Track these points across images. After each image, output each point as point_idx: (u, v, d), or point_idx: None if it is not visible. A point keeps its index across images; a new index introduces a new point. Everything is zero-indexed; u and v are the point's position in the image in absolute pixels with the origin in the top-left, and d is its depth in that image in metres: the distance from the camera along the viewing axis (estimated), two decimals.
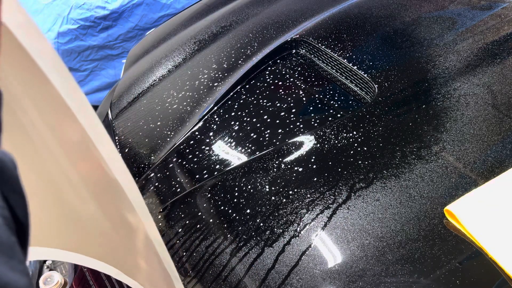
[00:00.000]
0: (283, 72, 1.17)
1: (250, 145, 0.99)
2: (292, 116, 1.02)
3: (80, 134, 0.32)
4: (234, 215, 0.85)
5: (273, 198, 0.84)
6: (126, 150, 1.12)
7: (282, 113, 1.04)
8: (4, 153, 0.22)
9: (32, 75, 0.28)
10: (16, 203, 0.22)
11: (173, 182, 0.99)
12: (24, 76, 0.29)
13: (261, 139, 0.99)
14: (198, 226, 0.86)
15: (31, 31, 0.26)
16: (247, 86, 1.16)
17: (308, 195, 0.82)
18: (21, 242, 0.22)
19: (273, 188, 0.86)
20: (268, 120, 1.03)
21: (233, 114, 1.09)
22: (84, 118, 0.31)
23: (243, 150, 0.98)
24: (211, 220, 0.86)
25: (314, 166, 0.87)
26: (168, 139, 1.10)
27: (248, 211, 0.84)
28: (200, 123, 1.10)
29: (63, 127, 0.34)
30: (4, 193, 0.21)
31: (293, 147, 0.93)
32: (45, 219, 0.41)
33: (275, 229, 0.79)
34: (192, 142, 1.06)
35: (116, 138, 1.17)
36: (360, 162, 0.85)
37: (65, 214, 0.42)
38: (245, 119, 1.06)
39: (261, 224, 0.81)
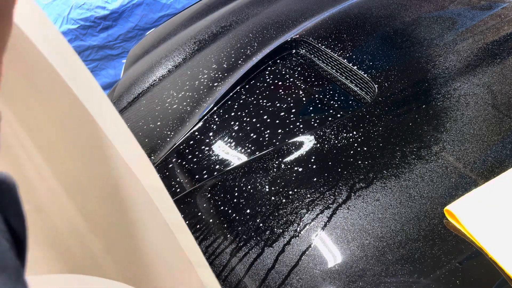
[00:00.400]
0: (283, 72, 1.17)
1: (250, 145, 0.99)
2: (292, 116, 1.02)
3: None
4: (234, 215, 0.85)
5: (273, 198, 0.84)
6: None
7: (282, 113, 1.04)
8: (5, 176, 0.22)
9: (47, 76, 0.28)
10: (18, 226, 0.22)
11: (173, 182, 0.99)
12: (34, 74, 0.29)
13: (261, 139, 0.99)
14: (198, 226, 0.86)
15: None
16: (247, 86, 1.16)
17: (308, 195, 0.82)
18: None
19: (273, 188, 0.86)
20: (268, 120, 1.03)
21: (233, 114, 1.09)
22: (106, 121, 0.30)
23: (243, 150, 0.98)
24: (211, 220, 0.86)
25: (314, 166, 0.87)
26: (168, 139, 1.10)
27: (248, 211, 0.84)
28: (200, 123, 1.10)
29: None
30: (6, 216, 0.21)
31: (293, 147, 0.93)
32: (63, 240, 0.40)
33: (275, 229, 0.79)
34: (192, 142, 1.06)
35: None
36: (360, 162, 0.85)
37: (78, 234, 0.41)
38: (245, 119, 1.06)
39: (261, 224, 0.81)
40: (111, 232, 0.43)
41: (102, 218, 0.41)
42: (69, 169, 0.37)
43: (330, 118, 0.99)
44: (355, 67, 1.08)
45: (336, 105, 1.03)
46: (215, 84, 1.20)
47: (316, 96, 1.07)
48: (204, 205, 0.89)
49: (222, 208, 0.87)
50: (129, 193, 0.38)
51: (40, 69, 0.27)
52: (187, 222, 0.88)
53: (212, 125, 1.08)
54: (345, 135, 0.91)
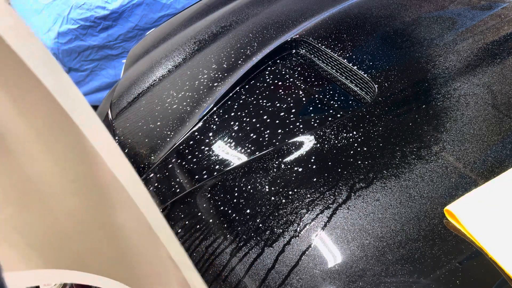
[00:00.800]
0: (283, 72, 1.17)
1: (250, 145, 0.99)
2: (292, 116, 1.02)
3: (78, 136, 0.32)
4: (234, 215, 0.85)
5: (273, 198, 0.84)
6: (126, 150, 1.12)
7: (282, 113, 1.04)
8: None
9: (24, 77, 0.28)
10: None
11: (173, 182, 0.99)
12: (14, 77, 0.29)
13: (261, 139, 0.99)
14: (198, 226, 0.86)
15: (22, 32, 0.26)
16: (247, 86, 1.16)
17: (308, 195, 0.82)
18: None
19: (273, 188, 0.86)
20: (268, 120, 1.03)
21: (233, 114, 1.09)
22: (84, 120, 0.31)
23: (243, 150, 0.98)
24: (211, 220, 0.86)
25: (314, 166, 0.87)
26: (168, 139, 1.10)
27: (248, 211, 0.84)
28: (200, 123, 1.10)
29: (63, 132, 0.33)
30: None
31: (293, 147, 0.93)
32: (50, 236, 0.40)
33: (275, 229, 0.79)
34: (192, 142, 1.06)
35: (116, 138, 1.17)
36: (360, 162, 0.85)
37: (68, 230, 0.41)
38: (245, 119, 1.06)
39: (261, 224, 0.81)
40: (97, 232, 0.43)
41: (87, 218, 0.42)
42: (52, 169, 0.37)
43: (330, 118, 0.99)
44: (355, 67, 1.08)
45: (336, 105, 1.03)
46: (215, 84, 1.20)
47: (316, 96, 1.07)
48: (204, 205, 0.89)
49: (222, 208, 0.87)
50: (111, 193, 0.38)
51: (8, 63, 0.27)
52: (187, 222, 0.88)
53: (212, 125, 1.08)
54: (345, 135, 0.91)
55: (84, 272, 0.44)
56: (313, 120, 1.00)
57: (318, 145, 0.91)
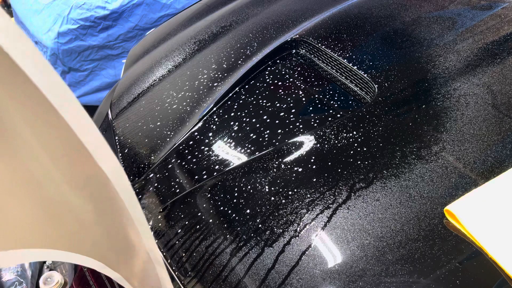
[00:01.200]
0: (283, 72, 1.17)
1: (250, 145, 0.99)
2: (292, 116, 1.02)
3: (66, 131, 0.32)
4: (234, 215, 0.85)
5: (273, 198, 0.84)
6: (126, 150, 1.12)
7: (282, 113, 1.04)
8: None
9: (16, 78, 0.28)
10: None
11: (173, 182, 0.99)
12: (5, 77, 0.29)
13: (261, 139, 0.99)
14: (198, 226, 0.86)
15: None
16: (247, 86, 1.16)
17: (308, 195, 0.82)
18: None
19: (273, 188, 0.86)
20: (268, 120, 1.03)
21: (233, 114, 1.09)
22: (69, 114, 0.31)
23: (243, 150, 0.98)
24: (211, 220, 0.86)
25: (314, 166, 0.87)
26: (168, 139, 1.10)
27: (248, 211, 0.84)
28: (200, 123, 1.10)
29: (49, 124, 0.34)
30: None
31: (293, 147, 0.93)
32: (30, 218, 0.41)
33: (275, 229, 0.79)
34: (192, 142, 1.06)
35: (116, 138, 1.17)
36: (360, 162, 0.85)
37: (50, 212, 0.42)
38: (245, 119, 1.06)
39: (261, 224, 0.81)
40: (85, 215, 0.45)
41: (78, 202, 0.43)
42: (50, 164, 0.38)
43: (330, 118, 0.99)
44: (355, 67, 1.08)
45: (336, 105, 1.03)
46: (215, 84, 1.20)
47: (316, 96, 1.07)
48: (204, 205, 0.89)
49: (222, 208, 0.87)
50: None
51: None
52: (187, 222, 0.88)
53: (212, 125, 1.08)
54: (345, 135, 0.91)
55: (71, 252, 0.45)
56: (313, 120, 1.00)
57: (318, 145, 0.91)
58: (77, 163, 0.38)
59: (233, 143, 1.01)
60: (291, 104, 1.06)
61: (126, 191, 0.39)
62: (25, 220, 0.40)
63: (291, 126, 1.00)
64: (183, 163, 1.02)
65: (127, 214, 0.42)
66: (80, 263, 0.47)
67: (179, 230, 0.88)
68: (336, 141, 0.91)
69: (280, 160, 0.92)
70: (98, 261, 0.48)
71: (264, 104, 1.08)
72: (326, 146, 0.91)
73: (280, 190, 0.85)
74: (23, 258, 0.40)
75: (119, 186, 0.38)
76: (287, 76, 1.16)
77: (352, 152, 0.87)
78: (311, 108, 1.04)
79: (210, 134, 1.06)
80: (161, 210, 0.94)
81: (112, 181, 0.37)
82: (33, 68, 0.28)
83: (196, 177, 0.97)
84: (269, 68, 1.20)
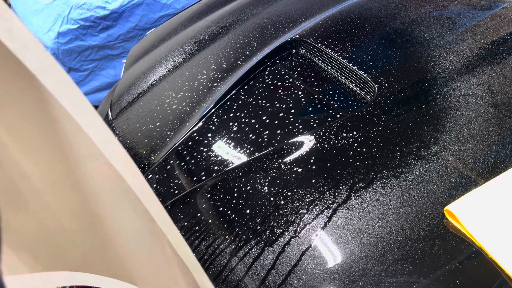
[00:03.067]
0: (283, 72, 1.17)
1: (250, 146, 0.99)
2: (292, 116, 1.02)
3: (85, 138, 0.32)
4: (234, 215, 0.85)
5: (272, 198, 0.84)
6: (126, 150, 1.12)
7: (282, 113, 1.04)
8: None
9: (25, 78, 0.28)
10: None
11: (173, 183, 0.99)
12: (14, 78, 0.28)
13: (260, 139, 0.99)
14: (198, 226, 0.86)
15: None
16: (247, 87, 1.16)
17: (308, 195, 0.82)
18: None
19: (273, 189, 0.86)
20: (268, 120, 1.03)
21: (232, 114, 1.09)
22: (86, 120, 0.31)
23: (243, 151, 0.98)
24: (210, 221, 0.86)
25: (314, 166, 0.87)
26: (168, 139, 1.10)
27: (248, 211, 0.84)
28: (200, 124, 1.10)
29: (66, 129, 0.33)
30: None
31: (293, 147, 0.93)
32: (42, 238, 0.40)
33: (275, 229, 0.79)
34: (191, 142, 1.06)
35: (116, 138, 1.17)
36: (360, 162, 0.85)
37: (62, 230, 0.41)
38: (245, 119, 1.06)
39: (261, 224, 0.81)
40: (98, 231, 0.43)
41: (87, 215, 0.41)
42: (49, 166, 0.37)
43: (330, 118, 0.99)
44: (355, 67, 1.08)
45: (336, 105, 1.03)
46: (215, 84, 1.20)
47: (316, 96, 1.07)
48: (204, 205, 0.89)
49: (222, 208, 0.87)
50: (112, 189, 0.38)
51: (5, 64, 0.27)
52: (187, 222, 0.88)
53: (212, 126, 1.08)
54: (345, 135, 0.91)
55: (87, 272, 0.44)
56: (313, 120, 1.00)
57: (318, 145, 0.91)
58: (86, 167, 0.37)
59: (233, 143, 1.01)
60: (291, 104, 1.06)
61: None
62: (38, 237, 0.39)
63: (291, 126, 1.00)
64: (183, 163, 1.02)
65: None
66: (101, 285, 0.45)
67: (179, 230, 0.88)
68: (336, 141, 0.91)
69: (280, 160, 0.92)
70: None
71: (264, 104, 1.08)
72: (326, 146, 0.91)
73: (280, 190, 0.85)
74: (46, 281, 0.39)
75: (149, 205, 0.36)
76: (287, 76, 1.15)
77: (352, 152, 0.87)
78: (311, 108, 1.03)
79: (210, 134, 1.06)
80: None
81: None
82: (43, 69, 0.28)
83: (196, 177, 0.97)
84: (269, 68, 1.20)
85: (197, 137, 1.06)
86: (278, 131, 1.00)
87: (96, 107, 1.57)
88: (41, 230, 0.40)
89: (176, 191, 0.96)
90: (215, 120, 1.09)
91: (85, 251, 0.44)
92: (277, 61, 1.22)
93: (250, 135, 1.01)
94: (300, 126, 0.99)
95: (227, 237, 0.82)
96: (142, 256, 0.47)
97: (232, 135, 1.03)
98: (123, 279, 0.47)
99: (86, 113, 0.31)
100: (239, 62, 1.25)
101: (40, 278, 0.40)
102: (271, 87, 1.13)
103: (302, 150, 0.92)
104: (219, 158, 0.99)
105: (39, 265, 0.40)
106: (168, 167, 1.02)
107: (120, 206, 0.40)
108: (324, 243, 0.75)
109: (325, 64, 1.16)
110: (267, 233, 0.79)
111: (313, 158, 0.89)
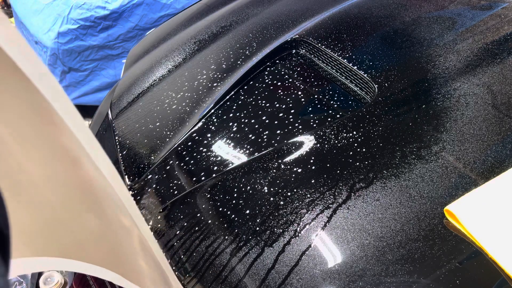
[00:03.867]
0: (283, 72, 1.17)
1: (250, 146, 0.99)
2: (292, 116, 1.02)
3: (68, 138, 0.33)
4: (233, 215, 0.85)
5: (272, 198, 0.84)
6: (126, 150, 1.12)
7: (282, 114, 1.04)
8: None
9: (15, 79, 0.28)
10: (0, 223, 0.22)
11: (173, 183, 0.99)
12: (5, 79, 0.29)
13: (260, 139, 0.99)
14: (198, 226, 0.86)
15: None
16: (247, 87, 1.16)
17: (308, 195, 0.82)
18: (2, 249, 0.21)
19: (272, 189, 0.86)
20: (268, 120, 1.03)
21: (232, 114, 1.09)
22: (71, 121, 0.32)
23: (243, 151, 0.98)
24: (210, 221, 0.86)
25: (314, 166, 0.87)
26: (168, 140, 1.10)
27: (248, 211, 0.84)
28: (200, 124, 1.10)
29: (51, 131, 0.34)
30: None
31: (293, 147, 0.93)
32: (34, 226, 0.40)
33: (275, 229, 0.79)
34: (191, 142, 1.06)
35: (116, 138, 1.17)
36: (360, 162, 0.85)
37: (54, 220, 0.42)
38: (245, 119, 1.06)
39: (261, 224, 0.81)
40: (90, 220, 0.44)
41: (80, 208, 0.43)
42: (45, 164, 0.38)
43: (330, 118, 0.99)
44: (355, 67, 1.08)
45: (336, 105, 1.03)
46: (215, 84, 1.20)
47: (316, 96, 1.07)
48: (204, 205, 0.89)
49: (222, 208, 0.87)
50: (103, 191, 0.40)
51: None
52: (187, 222, 0.88)
53: (212, 126, 1.08)
54: (345, 135, 0.91)
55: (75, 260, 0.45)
56: (313, 120, 1.00)
57: (318, 145, 0.91)
58: (76, 167, 0.38)
59: (233, 143, 1.01)
60: (291, 104, 1.06)
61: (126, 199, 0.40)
62: (30, 225, 0.40)
63: (291, 126, 1.00)
64: (183, 163, 1.02)
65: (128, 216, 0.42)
66: (95, 274, 0.46)
67: (179, 230, 0.88)
68: (336, 141, 0.91)
69: (280, 160, 0.92)
70: (114, 272, 0.48)
71: (264, 104, 1.08)
72: (326, 146, 0.91)
73: (280, 190, 0.85)
74: (36, 266, 0.40)
75: (121, 196, 0.39)
76: (287, 76, 1.15)
77: (352, 152, 0.87)
78: (311, 108, 1.03)
79: (210, 135, 1.06)
80: (161, 210, 0.94)
81: (112, 187, 0.38)
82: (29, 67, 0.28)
83: (196, 177, 0.97)
84: (269, 68, 1.20)
85: (197, 137, 1.06)
86: (278, 131, 1.00)
87: (96, 107, 1.57)
88: (35, 218, 0.41)
89: (176, 191, 0.96)
90: (215, 120, 1.09)
91: (76, 240, 0.45)
92: (277, 61, 1.22)
93: (250, 135, 1.01)
94: (300, 126, 0.99)
95: (227, 237, 0.82)
96: (126, 248, 0.48)
97: (232, 135, 1.03)
98: (110, 268, 0.49)
99: (72, 115, 0.32)
100: (239, 62, 1.25)
101: (28, 263, 0.41)
102: (271, 87, 1.13)
103: (302, 150, 0.92)
104: (219, 158, 0.99)
105: (32, 251, 0.41)
106: (168, 167, 1.02)
107: (103, 202, 0.42)
108: (324, 243, 0.75)
109: (325, 64, 1.15)
110: (267, 233, 0.79)
111: (313, 158, 0.89)
